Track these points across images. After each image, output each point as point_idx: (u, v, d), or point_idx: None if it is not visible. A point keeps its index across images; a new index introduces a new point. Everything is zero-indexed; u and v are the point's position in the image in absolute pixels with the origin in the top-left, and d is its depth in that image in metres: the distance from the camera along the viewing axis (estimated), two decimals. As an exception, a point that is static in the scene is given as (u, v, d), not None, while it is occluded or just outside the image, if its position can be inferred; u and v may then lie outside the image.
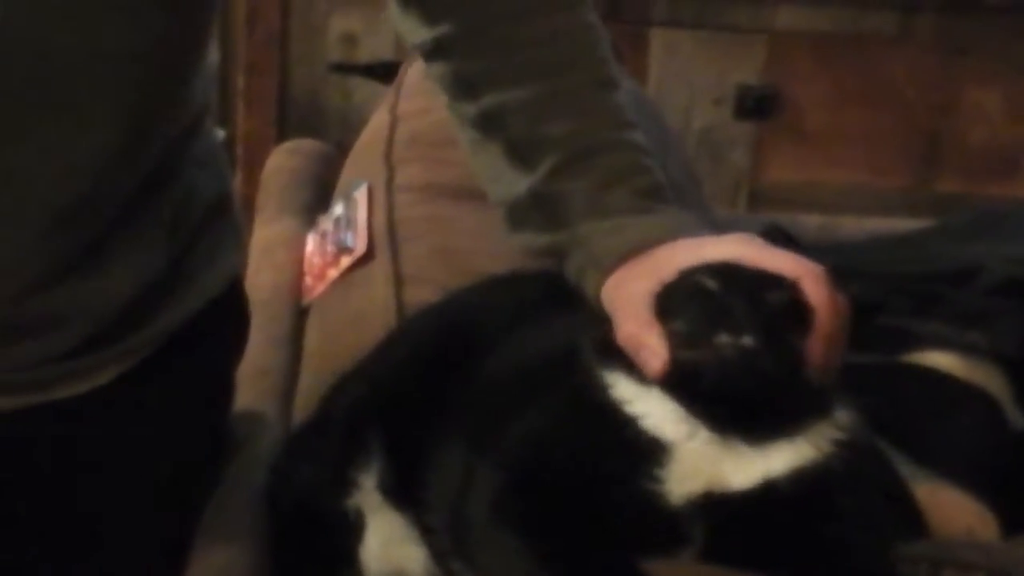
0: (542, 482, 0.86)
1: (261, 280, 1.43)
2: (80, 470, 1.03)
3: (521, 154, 1.02)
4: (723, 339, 0.83)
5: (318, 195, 1.60)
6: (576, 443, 0.87)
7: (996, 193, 2.54)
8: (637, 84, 1.75)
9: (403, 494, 0.95)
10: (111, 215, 0.99)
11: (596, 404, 0.87)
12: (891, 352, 1.28)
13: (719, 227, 1.06)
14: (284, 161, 1.72)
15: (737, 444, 0.84)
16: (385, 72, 2.37)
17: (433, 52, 1.05)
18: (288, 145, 1.79)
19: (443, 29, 1.03)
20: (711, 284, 0.86)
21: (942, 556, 0.94)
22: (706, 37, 2.54)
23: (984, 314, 1.34)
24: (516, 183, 1.02)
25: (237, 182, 2.33)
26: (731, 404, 0.84)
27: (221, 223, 1.11)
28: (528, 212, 1.02)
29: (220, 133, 2.22)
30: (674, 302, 0.88)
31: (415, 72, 1.52)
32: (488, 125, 1.03)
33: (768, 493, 0.84)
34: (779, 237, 1.54)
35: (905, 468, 1.13)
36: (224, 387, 1.15)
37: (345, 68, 2.54)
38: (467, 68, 1.03)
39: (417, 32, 1.05)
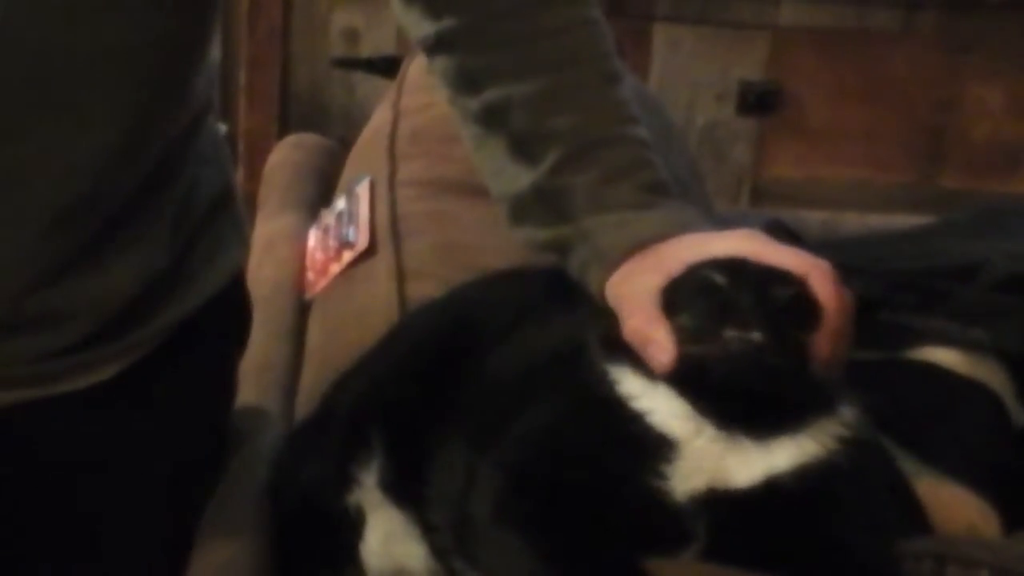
0: (546, 479, 0.86)
1: (263, 275, 1.43)
2: (81, 467, 1.03)
3: (524, 149, 1.01)
4: (731, 334, 0.83)
5: (320, 190, 1.60)
6: (581, 439, 0.87)
7: (999, 189, 2.54)
8: (639, 80, 1.75)
9: (404, 491, 0.95)
10: (112, 214, 0.99)
11: (602, 400, 0.87)
12: (893, 348, 1.28)
13: (721, 223, 1.05)
14: (287, 156, 1.71)
15: (742, 440, 0.84)
16: (387, 67, 2.37)
17: (435, 47, 1.04)
18: (291, 139, 1.79)
19: (446, 24, 1.03)
20: (719, 279, 0.86)
21: (946, 552, 0.94)
22: (709, 33, 2.54)
23: (987, 310, 1.33)
24: (519, 178, 1.01)
25: (239, 178, 2.32)
26: (737, 399, 0.83)
27: (224, 219, 1.10)
28: (531, 207, 1.01)
29: (223, 128, 2.21)
30: (681, 297, 0.87)
31: (417, 67, 1.51)
32: (491, 120, 1.02)
33: (772, 490, 0.83)
34: (782, 233, 1.54)
35: (907, 464, 1.13)
36: (226, 383, 1.15)
37: (347, 63, 2.54)
38: (470, 63, 1.03)
39: (420, 26, 1.04)
